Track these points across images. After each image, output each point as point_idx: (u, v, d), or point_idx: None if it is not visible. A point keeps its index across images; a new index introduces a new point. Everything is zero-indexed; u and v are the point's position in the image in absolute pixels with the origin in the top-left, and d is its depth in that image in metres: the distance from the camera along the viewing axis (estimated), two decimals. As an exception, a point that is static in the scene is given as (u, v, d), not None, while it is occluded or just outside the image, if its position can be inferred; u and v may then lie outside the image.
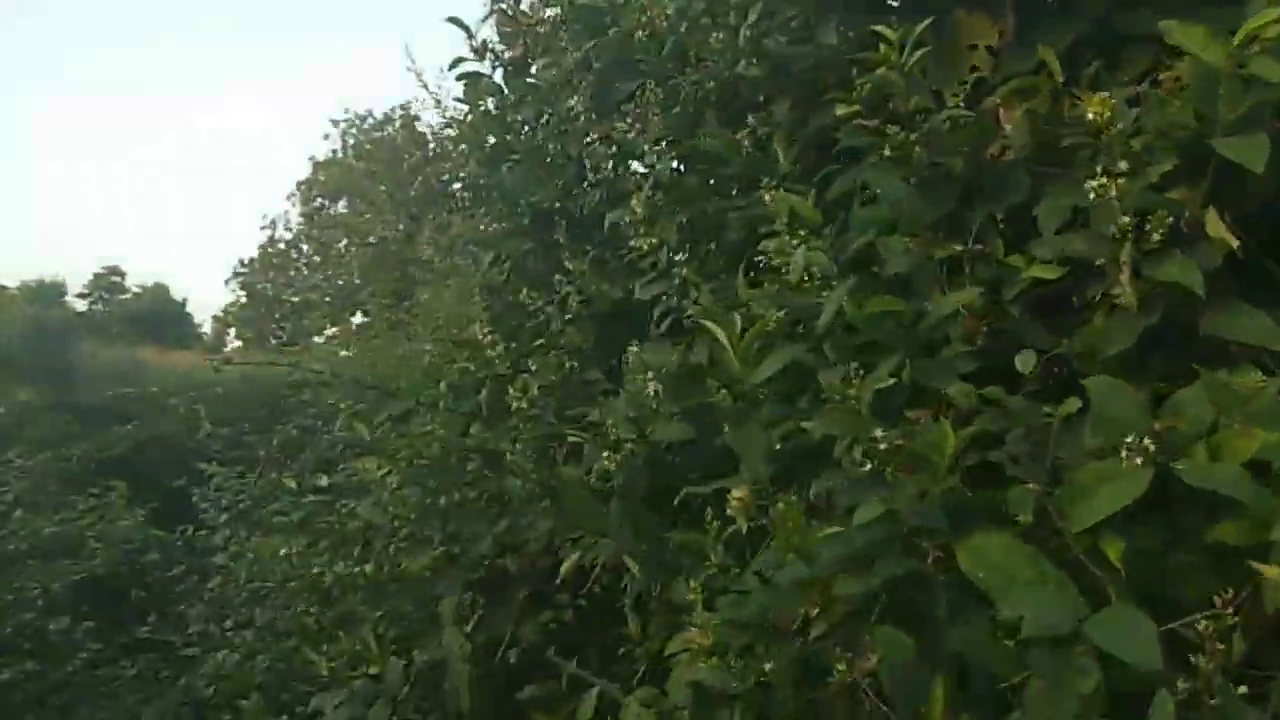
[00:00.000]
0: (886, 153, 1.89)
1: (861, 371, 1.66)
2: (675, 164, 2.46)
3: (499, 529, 2.78)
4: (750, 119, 2.32)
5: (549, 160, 3.23)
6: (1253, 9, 1.61)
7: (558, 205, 3.41)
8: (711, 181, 2.60)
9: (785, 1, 2.34)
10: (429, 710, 2.68)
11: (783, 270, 1.99)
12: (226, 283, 28.62)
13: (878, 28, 1.86)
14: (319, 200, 28.18)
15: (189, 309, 27.94)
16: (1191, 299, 1.56)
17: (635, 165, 2.50)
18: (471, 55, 3.54)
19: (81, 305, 25.96)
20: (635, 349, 2.55)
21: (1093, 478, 1.45)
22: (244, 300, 28.28)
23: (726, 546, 1.76)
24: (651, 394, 2.43)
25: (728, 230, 2.55)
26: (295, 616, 3.34)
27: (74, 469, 8.55)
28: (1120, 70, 1.97)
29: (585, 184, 3.26)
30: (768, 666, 1.51)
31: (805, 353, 1.70)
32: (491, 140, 3.43)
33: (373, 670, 2.57)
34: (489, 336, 2.84)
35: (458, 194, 4.15)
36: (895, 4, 2.25)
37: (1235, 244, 1.57)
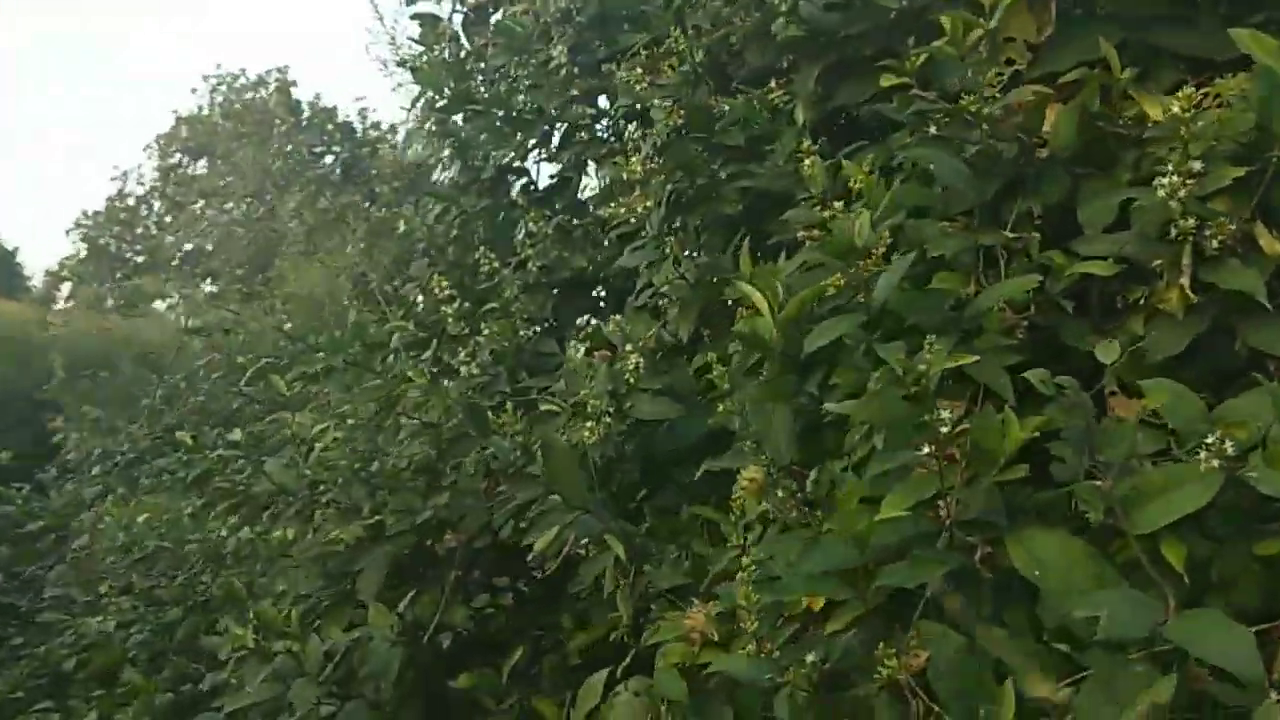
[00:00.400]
0: (932, 130, 1.81)
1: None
2: (675, 127, 2.31)
3: (439, 501, 2.56)
4: (772, 83, 2.20)
5: (515, 114, 3.02)
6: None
7: (517, 164, 3.21)
8: (704, 152, 2.47)
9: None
10: (345, 697, 2.43)
11: (808, 244, 1.89)
12: (68, 233, 26.52)
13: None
14: (178, 156, 26.45)
15: (19, 260, 25.66)
16: (1249, 306, 1.54)
17: (629, 127, 2.34)
18: (430, -4, 3.30)
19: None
20: (617, 319, 2.41)
21: (1161, 480, 1.40)
22: (83, 254, 26.19)
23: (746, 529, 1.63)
24: (632, 367, 2.29)
25: (720, 202, 2.43)
26: (187, 582, 2.99)
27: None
28: (1151, 82, 1.96)
29: (553, 144, 3.08)
30: (809, 658, 1.38)
31: (857, 328, 1.58)
32: (450, 88, 3.19)
33: (291, 647, 2.30)
34: (445, 292, 2.60)
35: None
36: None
37: (1285, 257, 1.56)
